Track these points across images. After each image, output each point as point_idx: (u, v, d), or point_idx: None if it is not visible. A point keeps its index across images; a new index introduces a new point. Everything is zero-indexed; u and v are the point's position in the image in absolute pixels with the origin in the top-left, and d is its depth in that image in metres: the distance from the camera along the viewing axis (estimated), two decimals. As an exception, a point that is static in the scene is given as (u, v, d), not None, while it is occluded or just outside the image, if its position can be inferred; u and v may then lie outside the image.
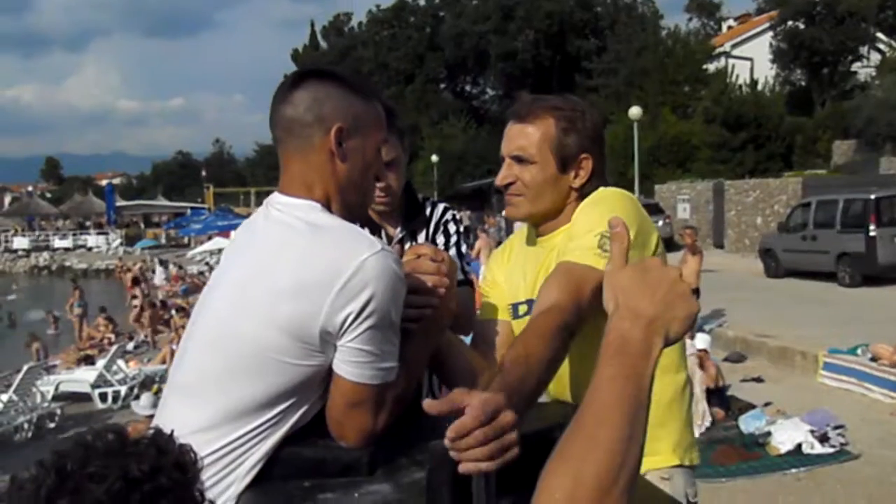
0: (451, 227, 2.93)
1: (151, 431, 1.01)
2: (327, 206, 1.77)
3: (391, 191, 2.74)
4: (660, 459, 2.23)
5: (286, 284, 1.63)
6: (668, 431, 2.25)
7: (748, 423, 8.53)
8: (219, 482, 1.66)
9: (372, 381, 1.69)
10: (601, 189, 2.17)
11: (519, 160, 2.20)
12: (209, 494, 1.63)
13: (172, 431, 1.01)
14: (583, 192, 2.18)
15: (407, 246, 2.68)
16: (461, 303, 2.10)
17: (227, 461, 1.67)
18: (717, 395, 9.08)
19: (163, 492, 0.95)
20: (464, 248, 2.95)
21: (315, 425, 1.74)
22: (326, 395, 1.73)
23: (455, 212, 3.01)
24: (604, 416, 1.05)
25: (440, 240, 2.87)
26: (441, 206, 2.97)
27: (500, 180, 2.23)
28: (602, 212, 2.02)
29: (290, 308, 1.62)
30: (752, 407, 9.11)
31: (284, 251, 1.68)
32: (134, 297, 24.84)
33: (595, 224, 1.99)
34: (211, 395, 1.70)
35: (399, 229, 2.86)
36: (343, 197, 1.80)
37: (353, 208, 1.84)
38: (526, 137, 2.19)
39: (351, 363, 1.67)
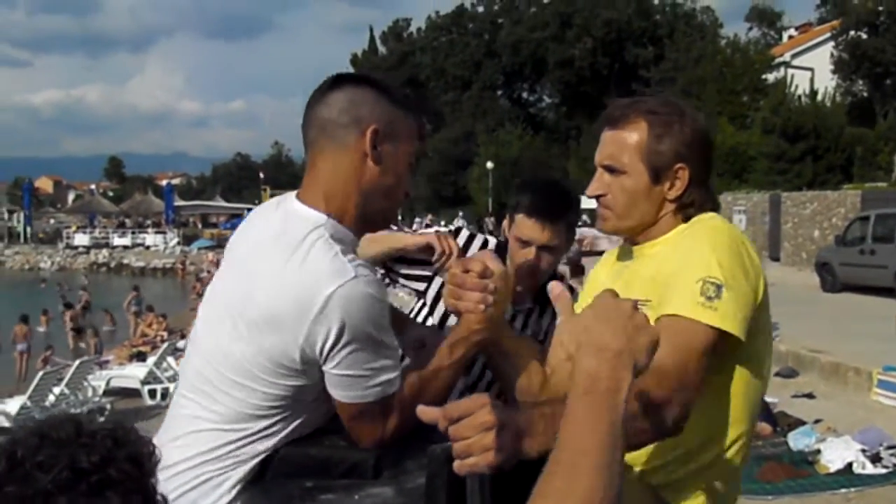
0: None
1: (111, 424, 1.02)
2: (341, 217, 1.76)
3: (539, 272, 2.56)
4: None
5: (263, 315, 1.66)
6: (712, 479, 1.98)
7: (797, 440, 8.35)
8: (218, 475, 1.69)
9: (366, 399, 1.70)
10: (712, 224, 1.96)
11: (610, 170, 2.02)
12: (206, 487, 1.66)
13: (133, 426, 1.02)
14: (681, 204, 2.00)
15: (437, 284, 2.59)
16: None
17: (228, 461, 1.70)
18: (762, 411, 8.92)
19: (111, 483, 0.95)
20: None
21: (331, 422, 1.77)
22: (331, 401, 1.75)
23: (497, 240, 2.86)
24: (579, 458, 1.05)
25: None
26: (479, 238, 2.82)
27: (589, 191, 2.07)
28: (706, 254, 1.84)
29: (269, 339, 1.65)
30: (802, 423, 8.92)
31: (265, 277, 1.70)
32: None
33: (698, 268, 1.81)
34: (211, 401, 1.73)
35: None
36: (366, 203, 1.79)
37: (374, 216, 1.83)
38: (616, 145, 2.00)
39: (341, 387, 1.69)
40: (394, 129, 1.79)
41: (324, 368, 1.66)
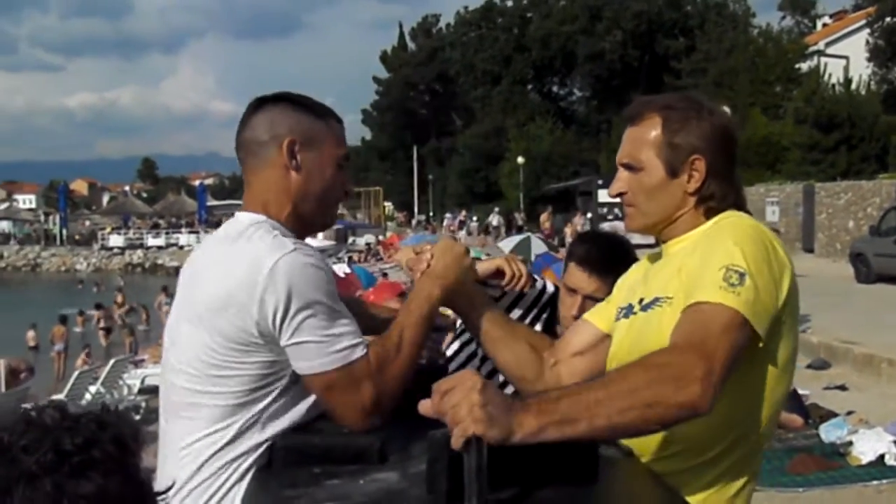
0: None
1: (99, 406, 1.07)
2: (281, 221, 1.89)
3: None
4: None
5: (215, 298, 1.77)
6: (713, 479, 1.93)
7: (829, 432, 8.30)
8: (225, 479, 1.78)
9: (330, 366, 1.76)
10: (737, 220, 1.95)
11: (629, 167, 2.03)
12: (218, 495, 1.74)
13: (118, 406, 1.07)
14: (702, 196, 1.99)
15: None
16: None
17: (225, 464, 1.78)
18: (793, 401, 8.84)
19: (93, 463, 1.01)
20: None
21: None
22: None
23: None
24: None
25: None
26: (539, 283, 2.81)
27: (611, 191, 2.08)
28: (729, 246, 1.82)
29: (224, 318, 1.74)
30: (834, 415, 8.86)
31: (214, 267, 1.82)
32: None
33: (721, 257, 1.80)
34: (193, 409, 1.81)
35: None
36: (299, 209, 1.92)
37: (310, 219, 1.96)
38: (633, 142, 2.02)
39: (302, 357, 1.76)
40: (312, 137, 1.93)
41: (281, 343, 1.74)
